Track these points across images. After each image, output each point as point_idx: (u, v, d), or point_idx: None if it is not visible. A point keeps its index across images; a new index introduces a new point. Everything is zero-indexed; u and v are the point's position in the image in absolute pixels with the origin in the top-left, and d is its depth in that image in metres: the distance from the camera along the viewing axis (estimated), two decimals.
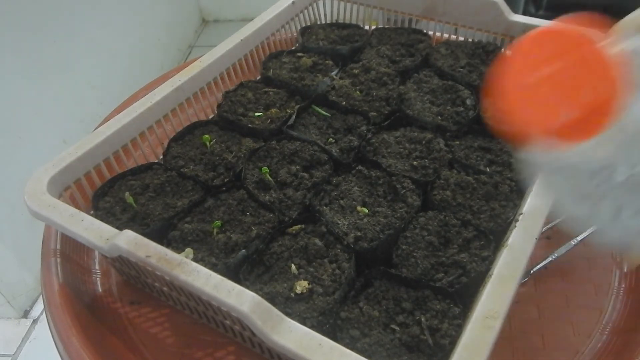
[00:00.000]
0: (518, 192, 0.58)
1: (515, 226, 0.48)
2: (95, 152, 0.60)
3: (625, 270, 0.60)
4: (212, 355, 0.53)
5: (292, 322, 0.41)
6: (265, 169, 0.59)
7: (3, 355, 1.35)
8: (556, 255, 0.61)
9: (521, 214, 0.49)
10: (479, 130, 0.67)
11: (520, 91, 0.21)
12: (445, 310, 0.47)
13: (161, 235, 0.55)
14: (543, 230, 0.65)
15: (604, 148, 0.20)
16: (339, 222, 0.55)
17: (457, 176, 0.60)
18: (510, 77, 0.22)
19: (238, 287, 0.41)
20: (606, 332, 0.55)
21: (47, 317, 0.56)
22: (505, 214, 0.55)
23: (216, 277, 0.42)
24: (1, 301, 1.38)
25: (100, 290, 0.60)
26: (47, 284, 0.58)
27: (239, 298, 0.41)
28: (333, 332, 0.46)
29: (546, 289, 0.59)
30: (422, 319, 0.46)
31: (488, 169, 0.61)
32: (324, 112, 0.71)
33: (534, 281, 0.60)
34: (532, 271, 0.60)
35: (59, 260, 0.60)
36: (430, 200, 0.58)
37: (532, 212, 0.50)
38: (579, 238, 0.63)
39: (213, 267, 0.50)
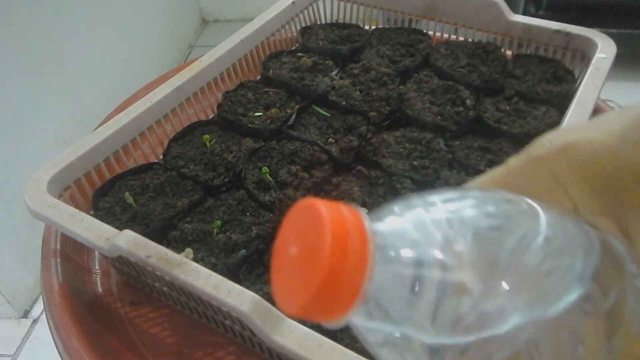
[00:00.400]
0: None
1: None
2: (95, 152, 0.60)
3: None
4: (212, 355, 0.53)
5: (292, 322, 0.41)
6: (265, 169, 0.59)
7: (3, 355, 1.35)
8: None
9: None
10: (479, 130, 0.67)
11: (274, 274, 0.21)
12: None
13: (161, 235, 0.55)
14: None
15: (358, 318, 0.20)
16: None
17: (457, 176, 0.60)
18: (273, 256, 0.22)
19: (238, 287, 0.41)
20: None
21: (47, 317, 0.56)
22: None
23: (216, 277, 0.42)
24: (1, 301, 1.38)
25: (100, 290, 0.60)
26: (47, 284, 0.58)
27: (239, 298, 0.41)
28: (333, 332, 0.46)
29: None
30: None
31: (488, 169, 0.61)
32: (324, 112, 0.71)
33: None
34: None
35: (59, 260, 0.60)
36: None
37: None
38: None
39: (213, 267, 0.50)
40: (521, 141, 0.65)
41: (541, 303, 0.20)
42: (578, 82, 0.72)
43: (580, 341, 0.21)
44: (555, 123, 0.66)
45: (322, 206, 0.19)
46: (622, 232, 0.24)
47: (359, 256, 0.19)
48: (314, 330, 0.40)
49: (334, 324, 0.20)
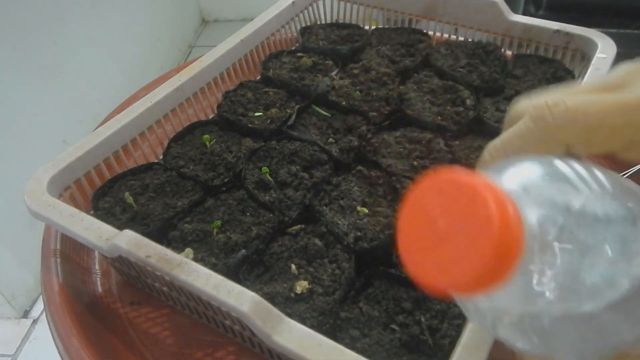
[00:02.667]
0: None
1: None
2: (95, 152, 0.60)
3: None
4: (212, 355, 0.53)
5: (292, 322, 0.41)
6: (265, 169, 0.59)
7: (3, 355, 1.35)
8: None
9: None
10: (479, 130, 0.67)
11: (413, 251, 0.21)
12: (445, 310, 0.47)
13: (161, 235, 0.55)
14: None
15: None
16: (339, 222, 0.55)
17: None
18: (404, 235, 0.22)
19: (238, 287, 0.41)
20: None
21: (47, 317, 0.56)
22: None
23: (216, 277, 0.42)
24: (1, 301, 1.38)
25: (100, 290, 0.60)
26: (47, 284, 0.58)
27: (239, 298, 0.41)
28: (333, 332, 0.46)
29: None
30: (422, 319, 0.46)
31: None
32: (324, 112, 0.71)
33: None
34: None
35: (59, 260, 0.60)
36: None
37: None
38: None
39: (213, 267, 0.50)
40: None
41: None
42: (578, 81, 0.72)
43: None
44: None
45: (469, 178, 0.20)
46: None
47: (517, 225, 0.19)
48: (314, 330, 0.40)
49: (483, 292, 0.20)
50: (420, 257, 0.21)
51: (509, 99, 0.71)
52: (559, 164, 0.22)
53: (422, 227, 0.21)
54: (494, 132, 0.67)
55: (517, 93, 0.72)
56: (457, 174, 0.20)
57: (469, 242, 0.19)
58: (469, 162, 0.63)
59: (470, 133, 0.68)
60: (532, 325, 0.21)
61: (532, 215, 0.20)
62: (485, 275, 0.19)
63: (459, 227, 0.19)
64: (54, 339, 0.54)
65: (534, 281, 0.20)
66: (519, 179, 0.22)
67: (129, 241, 0.46)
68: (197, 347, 0.54)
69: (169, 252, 0.44)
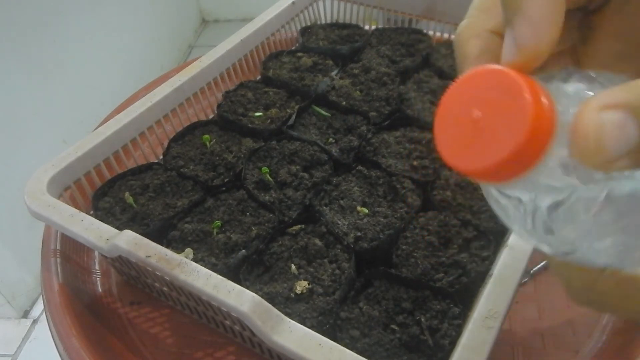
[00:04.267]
0: None
1: None
2: (95, 152, 0.60)
3: None
4: (212, 355, 0.53)
5: (292, 322, 0.41)
6: (265, 169, 0.59)
7: (3, 355, 1.35)
8: None
9: None
10: None
11: (447, 134, 0.23)
12: (445, 310, 0.47)
13: (161, 235, 0.55)
14: None
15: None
16: (339, 222, 0.55)
17: (457, 176, 0.60)
18: (441, 120, 0.23)
19: (238, 287, 0.41)
20: (606, 333, 0.55)
21: (47, 317, 0.56)
22: None
23: (216, 278, 0.42)
24: (1, 301, 1.38)
25: (100, 290, 0.60)
26: (47, 284, 0.58)
27: (239, 298, 0.41)
28: (333, 332, 0.46)
29: (547, 289, 0.59)
30: (422, 319, 0.46)
31: None
32: (324, 112, 0.70)
33: (534, 281, 0.60)
34: (532, 271, 0.60)
35: (59, 260, 0.60)
36: (430, 200, 0.58)
37: None
38: None
39: (213, 267, 0.50)
40: None
41: None
42: None
43: None
44: None
45: (509, 72, 0.20)
46: None
47: (549, 109, 0.20)
48: (314, 330, 0.40)
49: (510, 180, 0.21)
50: (456, 145, 0.22)
51: None
52: (569, 72, 0.23)
53: (458, 118, 0.22)
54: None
55: None
56: (491, 66, 0.21)
57: (503, 126, 0.20)
58: None
59: None
60: (558, 219, 0.22)
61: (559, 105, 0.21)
62: (519, 155, 0.20)
63: (494, 113, 0.20)
64: (53, 339, 0.54)
65: (562, 167, 0.21)
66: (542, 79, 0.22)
67: (129, 241, 0.46)
68: (197, 347, 0.54)
69: (168, 252, 0.44)
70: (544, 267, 0.61)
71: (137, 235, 0.46)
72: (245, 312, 0.40)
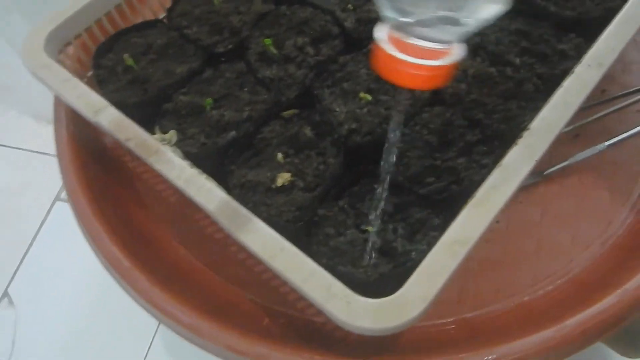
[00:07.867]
0: (544, 94, 0.51)
1: (517, 143, 0.44)
2: (95, 4, 0.57)
3: None
4: (209, 218, 0.55)
5: (261, 224, 0.41)
6: (268, 41, 0.55)
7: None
8: (578, 158, 0.57)
9: (528, 129, 0.45)
10: (520, 10, 0.58)
11: None
12: (425, 219, 0.46)
13: (157, 104, 0.54)
14: (571, 127, 0.60)
15: None
16: (336, 110, 0.52)
17: (478, 66, 0.54)
18: None
19: (208, 185, 0.42)
20: (607, 246, 0.53)
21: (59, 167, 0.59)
22: (522, 116, 0.50)
23: (189, 171, 0.42)
24: None
25: (109, 142, 0.61)
26: (58, 134, 0.59)
27: (207, 196, 0.41)
28: (308, 228, 0.46)
29: (556, 191, 0.56)
30: (399, 227, 0.46)
31: (518, 60, 0.54)
32: None
33: (545, 183, 0.57)
34: (545, 172, 0.57)
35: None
36: (441, 93, 0.53)
37: (542, 127, 0.45)
38: (610, 142, 0.58)
39: (202, 147, 0.50)
40: (568, 28, 0.56)
41: None
42: None
43: None
44: (617, 7, 0.56)
45: None
46: None
47: None
48: (288, 225, 0.40)
49: None
50: None
51: None
52: None
53: None
54: (539, 13, 0.57)
55: None
56: None
57: None
58: (498, 48, 0.55)
59: (510, 11, 0.58)
60: None
61: None
62: None
63: None
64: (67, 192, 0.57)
65: None
66: None
67: (111, 121, 0.46)
68: (197, 208, 0.56)
69: (148, 138, 0.44)
70: (562, 169, 0.57)
71: (121, 115, 0.46)
72: (211, 210, 0.40)
